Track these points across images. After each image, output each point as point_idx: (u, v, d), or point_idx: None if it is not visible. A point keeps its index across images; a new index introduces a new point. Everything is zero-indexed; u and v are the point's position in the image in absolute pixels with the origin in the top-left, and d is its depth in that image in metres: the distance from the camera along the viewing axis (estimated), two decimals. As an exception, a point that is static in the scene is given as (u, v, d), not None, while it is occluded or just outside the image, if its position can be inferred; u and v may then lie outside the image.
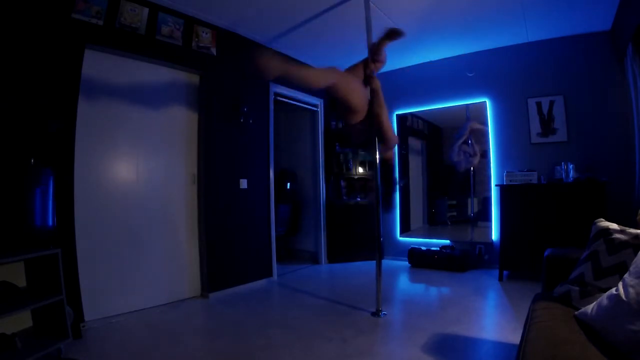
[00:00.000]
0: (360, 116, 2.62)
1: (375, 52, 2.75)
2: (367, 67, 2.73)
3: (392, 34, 2.67)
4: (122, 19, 2.72)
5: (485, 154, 4.15)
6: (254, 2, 3.03)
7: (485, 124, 4.13)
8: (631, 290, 1.09)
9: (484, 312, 2.87)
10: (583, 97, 3.63)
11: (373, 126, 2.69)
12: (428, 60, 4.49)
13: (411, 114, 4.69)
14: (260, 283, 3.73)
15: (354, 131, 2.76)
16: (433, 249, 4.25)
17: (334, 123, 4.87)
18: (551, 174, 3.60)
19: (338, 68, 2.52)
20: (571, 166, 3.37)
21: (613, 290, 1.17)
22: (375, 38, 2.79)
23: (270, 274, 3.89)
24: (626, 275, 1.17)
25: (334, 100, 2.65)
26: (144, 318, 2.73)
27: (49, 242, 2.11)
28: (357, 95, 2.53)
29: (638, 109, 2.94)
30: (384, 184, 3.04)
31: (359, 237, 4.72)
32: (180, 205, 3.23)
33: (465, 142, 4.20)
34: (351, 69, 2.75)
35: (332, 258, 4.80)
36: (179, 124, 3.25)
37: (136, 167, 2.95)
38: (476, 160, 4.16)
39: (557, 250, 1.86)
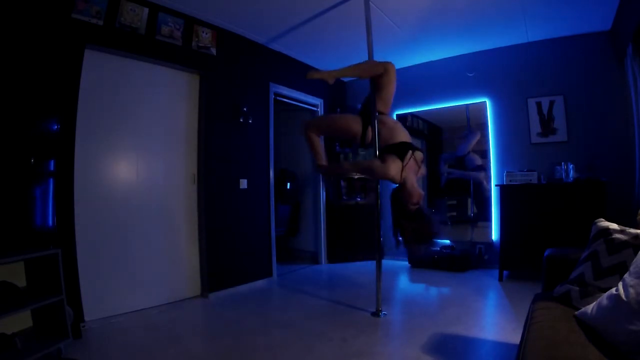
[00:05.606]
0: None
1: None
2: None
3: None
4: (122, 19, 2.72)
5: (485, 154, 4.16)
6: (254, 2, 3.03)
7: (485, 135, 4.15)
8: (631, 290, 1.09)
9: (484, 312, 2.87)
10: (583, 97, 3.63)
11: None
12: (428, 60, 4.48)
13: (411, 114, 4.68)
14: (260, 283, 3.73)
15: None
16: (433, 249, 4.25)
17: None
18: (551, 174, 3.60)
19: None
20: (571, 166, 3.37)
21: (613, 290, 1.17)
22: None
23: (270, 274, 3.89)
24: (626, 275, 1.17)
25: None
26: (144, 318, 2.73)
27: (49, 242, 2.11)
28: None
29: (638, 109, 2.94)
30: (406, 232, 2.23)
31: (359, 237, 4.71)
32: (180, 205, 3.23)
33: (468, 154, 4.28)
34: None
35: (332, 258, 4.80)
36: (179, 124, 3.25)
37: (136, 167, 2.95)
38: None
39: (557, 250, 1.86)
